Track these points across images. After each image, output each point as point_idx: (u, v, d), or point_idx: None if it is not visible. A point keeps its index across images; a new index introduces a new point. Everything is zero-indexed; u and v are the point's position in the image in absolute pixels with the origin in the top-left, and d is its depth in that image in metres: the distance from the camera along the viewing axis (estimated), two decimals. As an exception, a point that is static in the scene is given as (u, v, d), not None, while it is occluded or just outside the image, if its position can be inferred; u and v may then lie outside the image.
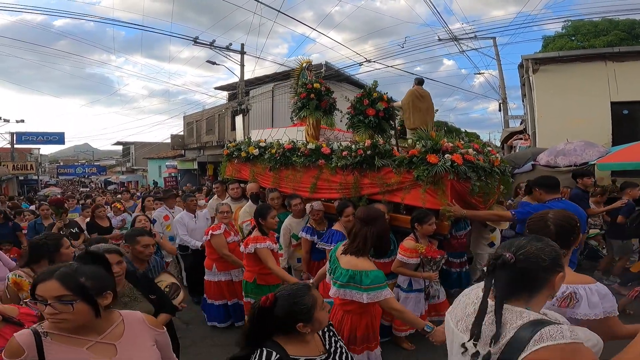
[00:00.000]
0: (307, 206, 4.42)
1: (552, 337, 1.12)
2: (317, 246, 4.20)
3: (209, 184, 18.83)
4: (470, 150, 3.78)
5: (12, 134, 27.10)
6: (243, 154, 5.56)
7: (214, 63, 17.44)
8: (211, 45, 16.02)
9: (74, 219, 6.33)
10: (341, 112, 5.55)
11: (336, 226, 4.06)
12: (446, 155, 3.55)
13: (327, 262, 2.91)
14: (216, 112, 22.61)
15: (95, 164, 46.59)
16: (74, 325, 1.48)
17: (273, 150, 5.04)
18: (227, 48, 16.59)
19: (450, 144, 3.64)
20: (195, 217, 5.50)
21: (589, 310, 1.70)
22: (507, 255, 1.29)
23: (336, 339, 1.90)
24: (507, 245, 1.36)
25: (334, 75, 18.11)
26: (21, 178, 29.05)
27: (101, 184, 38.28)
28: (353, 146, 4.14)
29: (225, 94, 23.26)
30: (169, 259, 4.99)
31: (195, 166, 25.08)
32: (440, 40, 15.13)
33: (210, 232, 4.31)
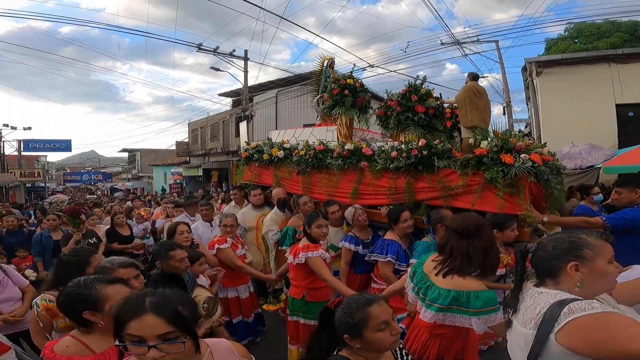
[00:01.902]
0: (349, 210, 3.85)
1: (582, 309, 1.19)
2: (366, 258, 3.66)
3: (220, 190, 18.86)
4: (545, 150, 3.32)
5: (19, 141, 26.63)
6: (265, 157, 4.92)
7: (217, 69, 17.10)
8: (215, 51, 15.66)
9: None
10: (374, 110, 5.04)
11: (389, 235, 3.49)
12: (522, 155, 3.05)
13: (407, 277, 2.41)
14: (220, 119, 22.25)
15: (101, 171, 46.37)
16: None
17: (302, 152, 4.43)
18: (231, 54, 16.22)
19: (523, 143, 3.16)
20: (212, 226, 4.91)
21: None
22: (529, 245, 1.47)
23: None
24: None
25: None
26: (28, 185, 28.62)
27: (107, 191, 38.39)
28: (403, 146, 3.61)
29: (229, 100, 22.83)
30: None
31: (200, 173, 25.02)
32: (442, 44, 14.82)
33: (216, 246, 3.78)
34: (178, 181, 26.73)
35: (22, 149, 27.04)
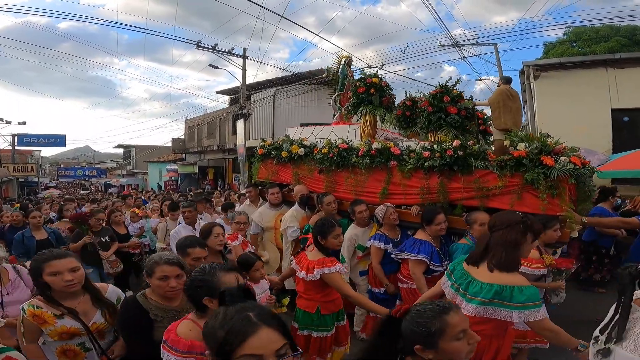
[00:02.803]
0: (380, 208, 3.71)
1: None
2: (393, 256, 3.56)
3: (221, 188, 18.53)
4: (581, 153, 3.31)
5: (13, 135, 26.04)
6: (284, 154, 4.74)
7: (216, 67, 16.82)
8: (213, 49, 15.39)
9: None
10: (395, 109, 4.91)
11: (420, 235, 3.37)
12: (562, 158, 3.00)
13: (445, 277, 2.39)
14: (217, 117, 21.88)
15: (95, 166, 45.67)
16: None
17: (325, 150, 4.28)
18: (229, 52, 15.98)
19: (561, 146, 3.14)
20: (195, 229, 4.57)
21: None
22: None
23: None
24: None
25: (336, 81, 17.80)
26: (21, 180, 27.96)
27: (101, 187, 37.72)
28: (436, 146, 3.50)
29: (226, 98, 22.42)
30: None
31: (196, 170, 24.63)
32: (441, 46, 14.69)
33: (227, 242, 3.48)
34: (173, 178, 26.34)
35: (16, 144, 26.43)
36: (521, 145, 3.12)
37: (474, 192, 3.33)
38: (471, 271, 2.18)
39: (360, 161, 3.97)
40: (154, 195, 15.26)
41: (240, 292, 1.34)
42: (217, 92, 23.70)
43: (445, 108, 3.99)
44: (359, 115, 4.74)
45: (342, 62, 5.34)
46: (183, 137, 26.06)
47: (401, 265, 3.53)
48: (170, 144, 27.30)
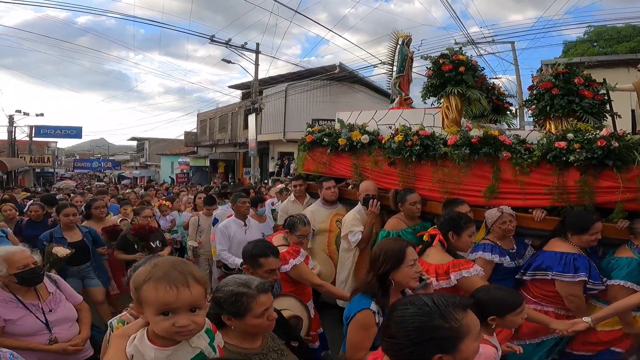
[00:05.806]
0: (492, 212, 2.81)
1: None
2: (525, 278, 2.73)
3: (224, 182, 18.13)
4: None
5: (31, 127, 25.38)
6: (342, 142, 3.85)
7: (229, 62, 16.35)
8: (227, 44, 14.78)
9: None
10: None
11: (562, 246, 2.50)
12: None
13: None
14: (229, 111, 21.31)
15: (110, 158, 45.51)
16: None
17: (399, 138, 3.40)
18: (243, 47, 15.37)
19: None
20: (246, 225, 3.85)
21: None
22: None
23: None
24: None
25: (348, 77, 17.48)
26: (37, 170, 27.34)
27: (114, 179, 37.64)
28: (571, 135, 2.68)
29: (238, 92, 21.75)
30: None
31: (207, 163, 24.32)
32: (457, 43, 14.26)
33: (291, 262, 2.69)
34: (185, 171, 26.00)
35: (33, 135, 26.06)
36: None
37: (638, 192, 2.50)
38: None
39: (456, 152, 3.09)
40: (175, 187, 14.66)
41: None
42: (230, 87, 23.37)
43: (577, 91, 3.13)
44: (438, 97, 3.81)
45: (400, 42, 4.43)
46: (195, 130, 25.72)
47: (528, 283, 2.68)
48: (182, 137, 26.96)
